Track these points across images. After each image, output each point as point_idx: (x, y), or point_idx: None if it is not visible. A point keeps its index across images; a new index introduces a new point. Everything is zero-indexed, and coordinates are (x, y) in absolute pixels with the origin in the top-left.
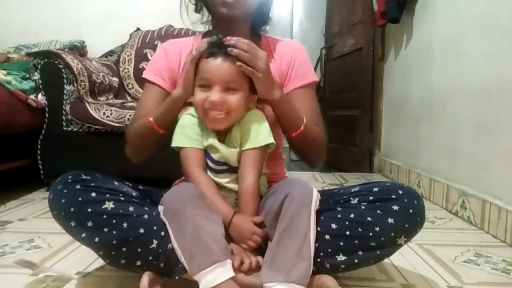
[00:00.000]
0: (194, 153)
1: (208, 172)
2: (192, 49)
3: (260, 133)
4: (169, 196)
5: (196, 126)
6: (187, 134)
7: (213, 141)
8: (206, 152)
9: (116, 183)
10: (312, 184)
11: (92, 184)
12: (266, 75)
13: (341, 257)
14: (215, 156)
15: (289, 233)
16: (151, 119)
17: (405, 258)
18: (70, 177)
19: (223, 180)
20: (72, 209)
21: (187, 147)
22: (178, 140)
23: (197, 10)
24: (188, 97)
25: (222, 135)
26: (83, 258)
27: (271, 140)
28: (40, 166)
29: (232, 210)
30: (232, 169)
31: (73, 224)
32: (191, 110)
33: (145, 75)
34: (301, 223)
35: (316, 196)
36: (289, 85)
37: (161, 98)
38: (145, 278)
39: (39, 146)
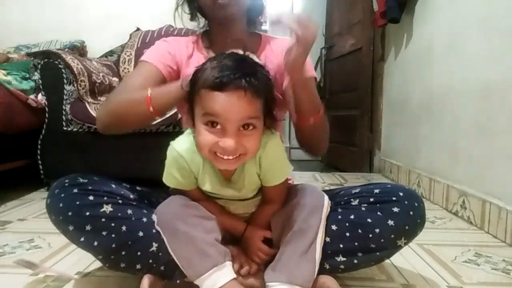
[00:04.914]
0: (188, 193)
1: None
2: (191, 56)
3: (283, 166)
4: (162, 207)
5: (183, 169)
6: (174, 176)
7: (217, 184)
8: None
9: (113, 185)
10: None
11: (90, 188)
12: (308, 50)
13: (340, 258)
14: (219, 196)
15: (297, 237)
16: (149, 94)
17: (405, 258)
18: (67, 180)
19: (230, 207)
20: (70, 213)
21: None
22: (166, 180)
23: (192, 19)
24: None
25: (228, 170)
26: (83, 258)
27: (291, 168)
28: (40, 166)
29: (244, 224)
30: (242, 199)
31: (71, 228)
32: (178, 143)
33: (143, 58)
34: (310, 228)
35: (327, 204)
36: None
37: (156, 78)
38: (145, 281)
39: (39, 146)
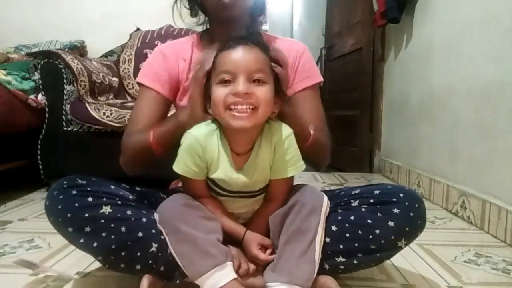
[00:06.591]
0: (194, 184)
1: (219, 197)
2: (190, 61)
3: (297, 159)
4: (164, 206)
5: (197, 155)
6: (186, 162)
7: (229, 170)
8: (215, 182)
9: (112, 186)
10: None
11: (89, 189)
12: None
13: (340, 259)
14: (229, 187)
15: (296, 237)
16: (151, 138)
17: (405, 258)
18: (65, 182)
19: (234, 205)
20: (69, 215)
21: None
22: (177, 167)
23: (193, 15)
24: (195, 122)
25: (241, 157)
26: (83, 258)
27: (304, 166)
28: (40, 166)
29: (243, 228)
30: (249, 195)
31: (70, 230)
32: (196, 129)
33: (140, 79)
34: (309, 228)
35: (326, 204)
36: (294, 86)
37: (159, 104)
38: (145, 281)
39: (39, 146)
